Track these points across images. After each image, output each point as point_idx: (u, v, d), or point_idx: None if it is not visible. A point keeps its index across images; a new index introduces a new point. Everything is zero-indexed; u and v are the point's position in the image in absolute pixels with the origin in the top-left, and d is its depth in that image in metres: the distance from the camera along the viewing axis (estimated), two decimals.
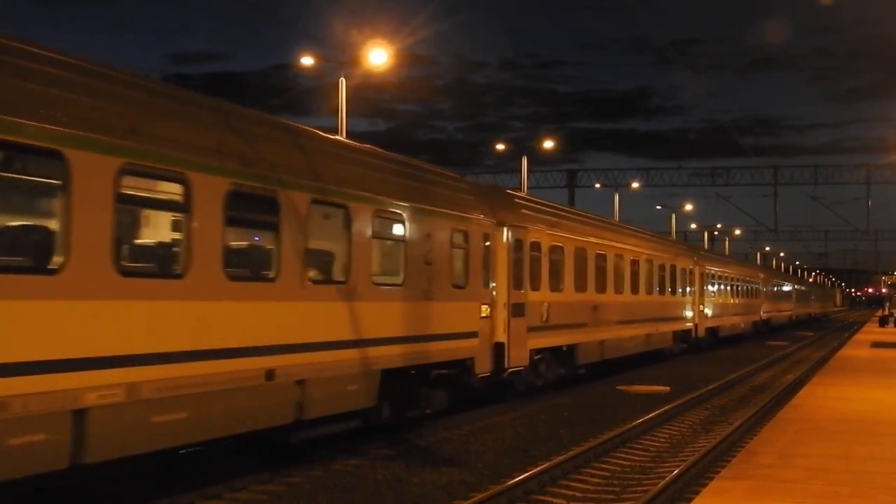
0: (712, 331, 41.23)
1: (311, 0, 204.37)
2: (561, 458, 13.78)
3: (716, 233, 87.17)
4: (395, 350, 14.29)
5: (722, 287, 44.33)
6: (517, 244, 19.58)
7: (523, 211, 20.83)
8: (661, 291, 32.21)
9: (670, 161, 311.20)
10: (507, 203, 20.41)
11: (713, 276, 41.92)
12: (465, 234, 16.93)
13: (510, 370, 18.86)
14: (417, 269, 15.01)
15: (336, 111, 25.92)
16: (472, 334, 17.10)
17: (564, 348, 22.41)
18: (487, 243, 18.02)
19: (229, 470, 12.05)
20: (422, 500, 11.39)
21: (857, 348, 35.93)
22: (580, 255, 23.60)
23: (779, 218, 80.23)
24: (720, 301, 43.70)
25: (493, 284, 18.41)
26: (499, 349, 18.41)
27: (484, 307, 17.71)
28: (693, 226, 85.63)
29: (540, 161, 66.97)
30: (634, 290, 28.59)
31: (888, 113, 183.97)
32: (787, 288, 77.77)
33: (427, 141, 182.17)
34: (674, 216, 71.78)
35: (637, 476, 13.44)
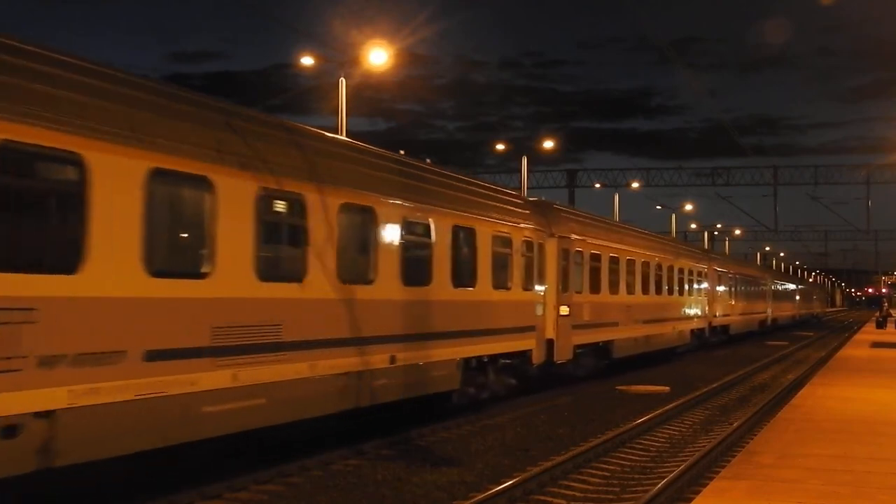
0: (597, 349, 25.04)
1: (311, 0, 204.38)
2: (561, 458, 13.78)
3: (716, 233, 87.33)
4: None
5: (620, 277, 27.01)
6: None
7: None
8: (435, 280, 15.58)
9: (671, 161, 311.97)
10: None
11: (596, 258, 24.76)
12: None
13: None
14: None
15: (336, 111, 25.92)
16: None
17: None
18: None
19: (229, 470, 12.04)
20: (422, 500, 11.39)
21: (856, 348, 35.93)
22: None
23: (779, 218, 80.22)
24: (613, 301, 26.12)
25: None
26: None
27: None
28: (693, 226, 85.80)
29: (541, 161, 67.11)
30: (336, 277, 12.89)
31: (889, 112, 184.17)
32: (760, 284, 57.82)
33: (428, 140, 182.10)
34: (674, 216, 71.66)
35: (637, 476, 13.44)
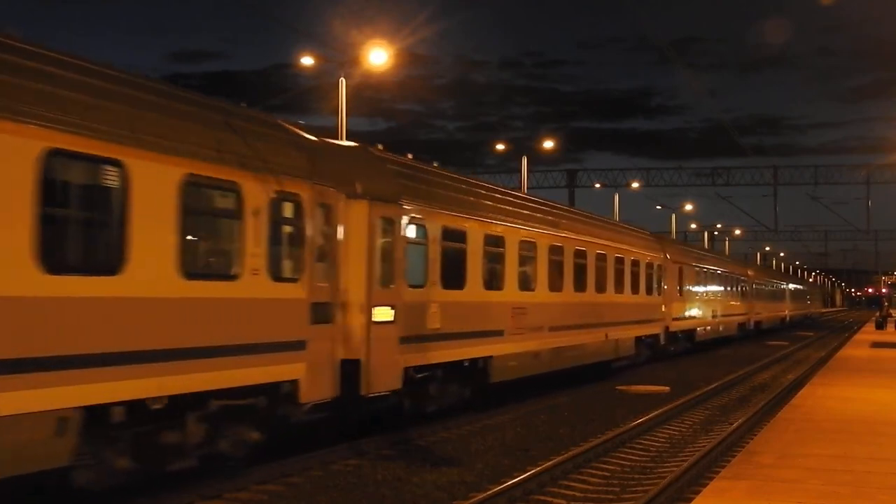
0: (463, 371, 17.26)
1: (311, 0, 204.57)
2: (561, 458, 13.78)
3: (716, 233, 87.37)
4: None
5: (507, 266, 18.86)
6: None
7: None
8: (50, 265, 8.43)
9: (671, 161, 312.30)
10: None
11: (457, 236, 16.80)
12: None
13: None
14: None
15: (336, 111, 25.93)
16: None
17: None
18: None
19: (229, 470, 12.04)
20: (422, 500, 11.39)
21: (856, 348, 35.93)
22: None
23: (779, 218, 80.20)
24: (491, 300, 18.07)
25: None
26: None
27: None
28: (693, 226, 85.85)
29: (541, 161, 67.18)
30: None
31: (889, 112, 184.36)
32: (739, 281, 49.88)
33: (428, 140, 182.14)
34: (674, 216, 71.66)
35: (637, 476, 13.44)
